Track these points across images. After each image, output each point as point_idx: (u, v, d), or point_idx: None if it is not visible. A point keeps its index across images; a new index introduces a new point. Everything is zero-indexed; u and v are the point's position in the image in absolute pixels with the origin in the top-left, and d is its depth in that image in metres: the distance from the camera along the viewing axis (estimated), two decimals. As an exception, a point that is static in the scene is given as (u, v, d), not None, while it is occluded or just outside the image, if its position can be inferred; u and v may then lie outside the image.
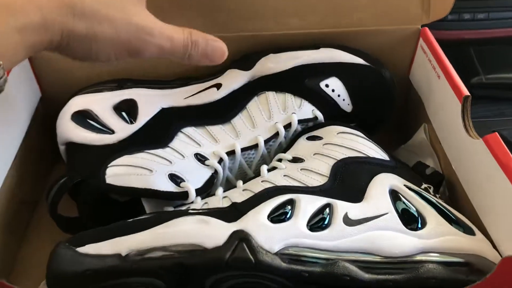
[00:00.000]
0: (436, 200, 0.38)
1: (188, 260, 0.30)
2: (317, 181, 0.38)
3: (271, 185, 0.37)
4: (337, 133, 0.42)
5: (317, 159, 0.40)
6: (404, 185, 0.38)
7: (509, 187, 0.34)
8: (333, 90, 0.45)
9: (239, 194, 0.37)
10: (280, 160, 0.41)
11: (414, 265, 0.33)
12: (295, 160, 0.41)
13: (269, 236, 0.32)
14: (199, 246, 0.31)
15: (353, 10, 0.47)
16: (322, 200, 0.35)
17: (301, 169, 0.39)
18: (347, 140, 0.41)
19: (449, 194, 0.44)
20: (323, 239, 0.33)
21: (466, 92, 0.41)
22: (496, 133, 0.36)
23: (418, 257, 0.33)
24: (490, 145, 0.36)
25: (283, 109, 0.44)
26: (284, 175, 0.39)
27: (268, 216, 0.33)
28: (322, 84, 0.45)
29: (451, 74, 0.43)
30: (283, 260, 0.31)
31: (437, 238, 0.34)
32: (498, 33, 0.62)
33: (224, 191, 0.39)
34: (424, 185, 0.40)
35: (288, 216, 0.34)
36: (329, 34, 0.48)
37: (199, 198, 0.39)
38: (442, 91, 0.44)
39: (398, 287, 0.32)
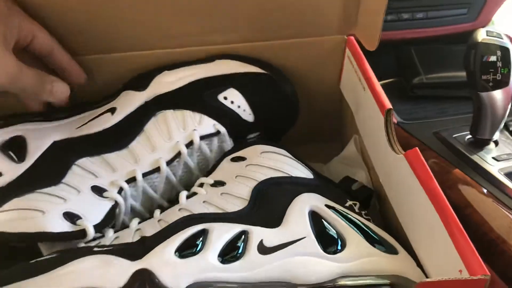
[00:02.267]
0: (358, 220, 0.37)
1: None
2: (237, 206, 0.36)
3: (188, 213, 0.36)
4: (261, 153, 0.41)
5: (239, 181, 0.38)
6: (326, 205, 0.37)
7: (428, 204, 0.33)
8: (232, 102, 0.43)
9: (153, 226, 0.35)
10: (201, 185, 0.40)
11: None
12: (217, 183, 0.39)
13: (175, 273, 0.30)
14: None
15: (278, 23, 0.46)
16: (237, 228, 0.34)
17: (221, 194, 0.38)
18: (270, 160, 0.40)
19: (380, 207, 0.43)
20: (236, 271, 0.31)
21: (388, 105, 0.40)
22: (416, 148, 0.35)
23: (338, 283, 0.32)
24: (410, 160, 0.35)
25: (183, 127, 0.42)
26: (203, 201, 0.37)
27: (176, 251, 0.32)
28: (221, 97, 0.43)
29: (374, 86, 0.42)
30: (190, 298, 0.30)
31: (357, 260, 0.33)
32: (437, 31, 0.62)
33: (140, 222, 0.37)
34: (349, 202, 0.39)
35: (198, 249, 0.32)
36: (255, 48, 0.46)
37: (111, 231, 0.37)
38: (367, 103, 0.43)
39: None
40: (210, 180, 0.40)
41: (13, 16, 0.37)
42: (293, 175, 0.39)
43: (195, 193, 0.39)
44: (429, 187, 0.33)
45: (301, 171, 0.40)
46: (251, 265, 0.32)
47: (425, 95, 0.57)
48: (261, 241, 0.33)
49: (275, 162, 0.40)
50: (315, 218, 0.36)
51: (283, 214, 0.35)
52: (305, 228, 0.35)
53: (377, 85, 0.42)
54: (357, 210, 0.39)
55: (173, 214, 0.36)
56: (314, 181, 0.39)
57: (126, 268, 0.30)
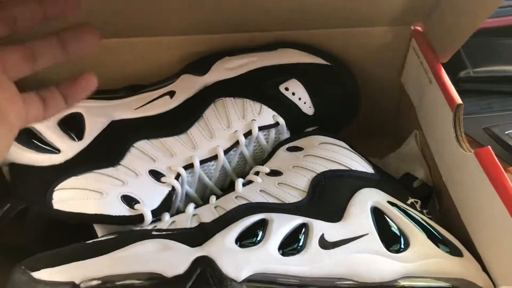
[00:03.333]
0: (421, 218, 0.35)
1: (147, 290, 0.28)
2: (295, 197, 0.35)
3: (245, 202, 0.35)
4: (319, 144, 0.40)
5: (296, 172, 0.37)
6: (388, 201, 0.36)
7: (500, 206, 0.31)
8: (293, 93, 0.42)
9: (210, 212, 0.34)
10: (257, 173, 0.39)
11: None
12: (273, 173, 0.38)
13: (236, 262, 0.29)
14: (159, 274, 0.28)
15: (340, 10, 0.44)
16: (297, 220, 0.33)
17: (278, 184, 0.37)
18: (329, 151, 0.39)
19: (439, 207, 0.41)
20: (296, 265, 0.30)
21: (458, 100, 0.38)
22: (489, 147, 0.33)
23: (399, 283, 0.31)
24: (482, 159, 0.33)
25: (242, 116, 0.41)
26: (260, 190, 0.36)
27: (237, 240, 0.31)
28: (282, 88, 0.42)
29: (442, 79, 0.40)
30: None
31: (421, 261, 0.32)
32: (484, 24, 0.60)
33: (195, 207, 0.36)
34: (410, 200, 0.37)
35: (258, 239, 0.31)
36: (314, 36, 0.45)
37: (167, 215, 0.36)
38: (433, 97, 0.41)
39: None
40: (266, 168, 0.39)
41: None
42: (353, 169, 0.38)
43: (250, 181, 0.38)
44: (502, 188, 0.31)
45: (361, 165, 0.38)
46: (312, 259, 0.31)
47: (471, 90, 0.56)
48: (322, 235, 0.32)
49: (334, 154, 0.38)
50: (378, 215, 0.34)
51: (343, 208, 0.34)
52: (368, 225, 0.33)
53: (446, 78, 0.40)
54: (419, 208, 0.37)
55: (230, 201, 0.35)
56: (375, 176, 0.38)
57: (187, 254, 0.29)
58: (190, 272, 0.29)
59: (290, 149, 0.40)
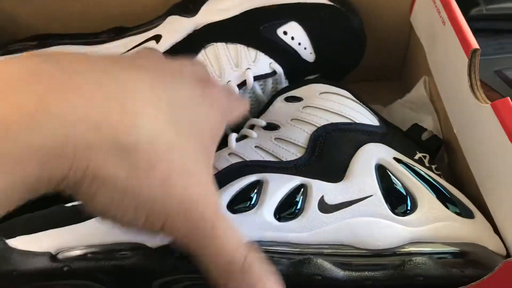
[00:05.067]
0: (430, 175, 0.32)
1: (130, 262, 0.26)
2: (293, 154, 0.32)
3: (238, 160, 0.32)
4: (320, 94, 0.36)
5: (295, 125, 0.34)
6: (394, 157, 0.33)
7: (517, 163, 0.28)
8: (292, 38, 0.38)
9: None
10: (252, 126, 0.36)
11: (399, 259, 0.28)
12: (270, 127, 0.35)
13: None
14: (142, 245, 0.26)
15: None
16: (295, 181, 0.30)
17: (275, 139, 0.34)
18: (331, 102, 0.35)
19: (449, 160, 0.38)
20: (293, 231, 0.28)
21: (474, 44, 0.34)
22: (508, 98, 0.30)
23: (405, 249, 0.29)
24: (499, 112, 0.30)
25: (236, 65, 0.37)
26: (255, 146, 0.33)
27: (229, 205, 0.28)
28: (280, 31, 0.38)
29: (458, 20, 0.36)
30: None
31: (429, 224, 0.29)
32: None
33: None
34: (418, 155, 0.35)
35: (252, 203, 0.29)
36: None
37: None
38: (446, 41, 0.37)
39: (378, 285, 0.28)
40: (261, 121, 0.36)
41: None
42: (357, 121, 0.34)
43: (245, 136, 0.35)
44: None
45: (366, 117, 0.35)
46: (311, 224, 0.28)
47: (483, 29, 0.51)
48: (322, 198, 0.29)
49: (337, 104, 0.35)
50: (383, 173, 0.31)
51: (346, 166, 0.31)
52: (372, 185, 0.30)
53: (461, 19, 0.36)
54: (427, 164, 0.34)
55: (221, 159, 0.32)
56: (381, 129, 0.35)
57: None
58: (176, 242, 0.26)
59: (288, 100, 0.37)
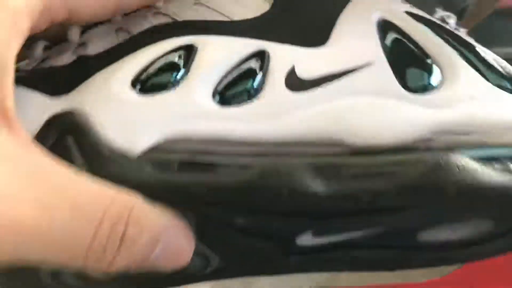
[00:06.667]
0: (459, 39, 0.21)
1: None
2: (251, 10, 0.21)
3: (167, 21, 0.21)
4: None
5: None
6: (406, 11, 0.21)
7: None
8: None
9: (105, 39, 0.20)
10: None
11: (417, 158, 0.17)
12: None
13: (128, 121, 0.16)
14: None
15: None
16: (249, 45, 0.19)
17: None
18: None
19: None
20: (245, 120, 0.17)
21: None
22: None
23: (428, 143, 0.18)
24: None
25: None
26: (195, 3, 0.22)
27: (135, 81, 0.17)
28: None
29: None
30: (158, 169, 0.16)
31: (463, 105, 0.18)
32: None
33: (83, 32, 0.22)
34: (440, 13, 0.23)
35: (175, 78, 0.18)
36: None
37: (40, 44, 0.22)
38: None
39: (381, 205, 0.17)
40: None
41: None
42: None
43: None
44: None
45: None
46: (274, 110, 0.17)
47: None
48: (292, 69, 0.18)
49: None
50: (389, 31, 0.20)
51: (332, 22, 0.20)
52: (372, 48, 0.19)
53: None
54: (453, 26, 0.23)
55: (140, 20, 0.21)
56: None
57: (40, 110, 0.16)
58: (44, 138, 0.15)
59: None
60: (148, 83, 0.17)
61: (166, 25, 0.20)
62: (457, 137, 0.18)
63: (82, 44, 0.20)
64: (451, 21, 0.23)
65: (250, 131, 0.17)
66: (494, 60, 0.21)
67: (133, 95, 0.17)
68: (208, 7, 0.21)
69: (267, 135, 0.17)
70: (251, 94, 0.18)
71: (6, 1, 0.15)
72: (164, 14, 0.21)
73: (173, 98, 0.17)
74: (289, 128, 0.17)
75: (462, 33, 0.23)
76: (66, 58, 0.19)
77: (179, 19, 0.21)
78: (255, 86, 0.18)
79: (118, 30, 0.21)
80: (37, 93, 0.17)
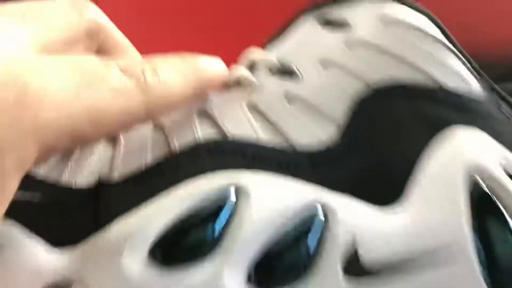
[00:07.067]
0: None
1: None
2: (313, 134, 0.17)
3: (215, 136, 0.18)
4: (384, 22, 0.20)
5: (328, 77, 0.19)
6: (502, 164, 0.17)
7: None
8: None
9: (137, 146, 0.17)
10: (252, 65, 0.20)
11: None
12: (284, 70, 0.20)
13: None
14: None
15: None
16: (305, 195, 0.15)
17: (289, 98, 0.18)
18: (400, 41, 0.19)
19: None
20: None
21: None
22: None
23: None
24: None
25: None
26: (247, 105, 0.18)
27: (155, 247, 0.14)
28: None
29: None
30: None
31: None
32: None
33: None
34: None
35: (211, 242, 0.14)
36: None
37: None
38: None
39: None
40: (272, 57, 0.20)
41: None
42: (441, 82, 0.18)
43: (237, 83, 0.20)
44: None
45: (458, 75, 0.19)
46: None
47: None
48: (352, 245, 0.15)
49: (409, 48, 0.19)
50: (479, 196, 0.16)
51: (407, 174, 0.16)
52: (455, 221, 0.16)
53: None
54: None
55: (185, 125, 0.17)
56: (479, 96, 0.19)
57: (37, 272, 0.14)
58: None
59: (325, 23, 0.21)
60: (173, 252, 0.14)
61: (215, 143, 0.17)
62: None
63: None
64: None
65: None
66: None
67: (149, 273, 0.13)
68: (269, 121, 0.18)
69: None
70: (297, 274, 0.14)
71: None
72: (210, 118, 0.18)
73: (197, 281, 0.13)
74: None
75: None
76: (85, 177, 0.16)
77: (228, 132, 0.17)
78: (303, 259, 0.15)
79: (156, 128, 0.18)
80: (36, 240, 0.14)
